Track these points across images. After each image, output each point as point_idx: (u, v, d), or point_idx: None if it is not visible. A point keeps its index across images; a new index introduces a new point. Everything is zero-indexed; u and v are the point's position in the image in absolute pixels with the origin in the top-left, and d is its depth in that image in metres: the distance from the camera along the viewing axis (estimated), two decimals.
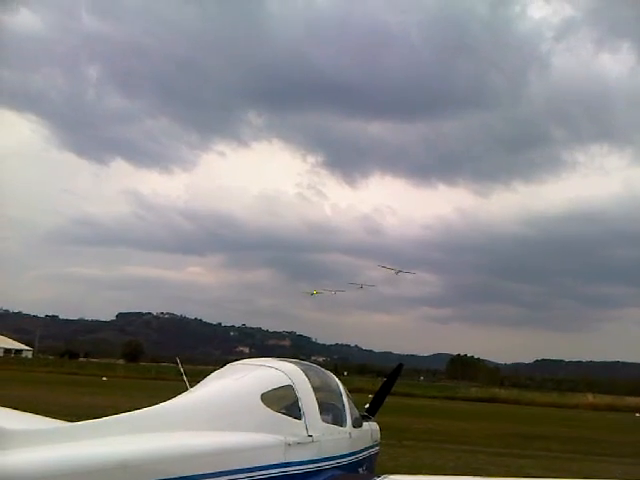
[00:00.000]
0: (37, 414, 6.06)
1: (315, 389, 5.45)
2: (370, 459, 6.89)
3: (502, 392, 69.51)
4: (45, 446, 3.19)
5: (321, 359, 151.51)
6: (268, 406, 4.78)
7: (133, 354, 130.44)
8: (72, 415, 9.09)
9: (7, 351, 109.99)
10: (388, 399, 8.56)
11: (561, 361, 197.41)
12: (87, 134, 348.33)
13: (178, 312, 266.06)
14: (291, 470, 4.65)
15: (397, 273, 75.91)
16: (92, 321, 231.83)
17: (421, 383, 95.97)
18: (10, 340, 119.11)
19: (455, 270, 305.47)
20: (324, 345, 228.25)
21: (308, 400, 5.25)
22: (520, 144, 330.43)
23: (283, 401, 5.15)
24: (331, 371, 6.92)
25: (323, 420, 5.41)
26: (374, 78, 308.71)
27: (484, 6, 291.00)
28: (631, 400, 61.46)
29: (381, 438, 7.70)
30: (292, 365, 5.57)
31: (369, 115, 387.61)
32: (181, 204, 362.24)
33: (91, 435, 3.52)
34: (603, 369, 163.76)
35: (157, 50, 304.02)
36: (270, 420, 4.74)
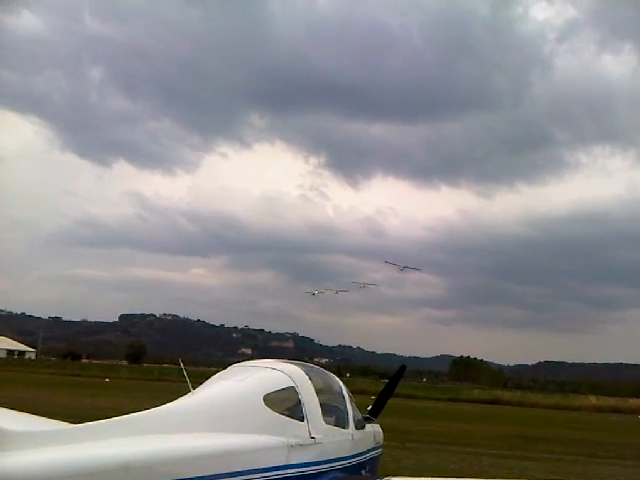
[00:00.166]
0: (40, 416, 6.06)
1: (318, 391, 5.45)
2: (373, 461, 6.88)
3: (505, 394, 69.31)
4: (48, 448, 3.19)
5: (324, 361, 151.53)
6: (271, 408, 4.77)
7: (136, 355, 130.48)
8: (75, 417, 9.09)
9: (10, 352, 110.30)
10: (391, 401, 8.55)
11: (564, 363, 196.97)
12: (90, 136, 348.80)
13: (181, 313, 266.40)
14: (293, 472, 4.65)
15: (402, 269, 74.69)
16: (95, 322, 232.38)
17: (424, 385, 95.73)
18: (13, 341, 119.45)
19: (458, 272, 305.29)
20: (327, 347, 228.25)
21: (311, 402, 5.24)
22: (523, 145, 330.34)
23: (286, 403, 5.14)
24: (334, 373, 6.92)
25: (326, 422, 5.41)
26: (376, 79, 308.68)
27: (486, 7, 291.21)
28: (634, 402, 61.23)
29: (384, 440, 7.69)
30: (295, 367, 5.57)
31: (371, 116, 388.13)
32: (184, 206, 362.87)
33: (94, 437, 3.52)
34: (606, 371, 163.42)
35: (159, 52, 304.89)
36: (273, 422, 4.74)
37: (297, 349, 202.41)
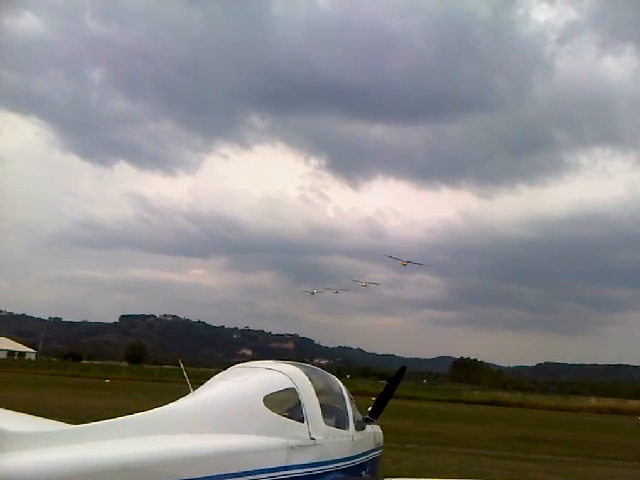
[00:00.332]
0: (40, 416, 6.06)
1: (318, 392, 5.45)
2: (373, 462, 6.87)
3: (505, 395, 69.31)
4: (48, 448, 3.19)
5: (324, 362, 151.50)
6: (270, 409, 4.77)
7: (136, 356, 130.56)
8: (75, 417, 9.10)
9: (11, 353, 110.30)
10: (391, 402, 8.54)
11: (564, 364, 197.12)
12: (91, 137, 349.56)
13: (181, 314, 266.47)
14: (293, 473, 4.65)
15: (405, 264, 73.73)
16: (95, 323, 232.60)
17: (424, 386, 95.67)
18: (14, 342, 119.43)
19: (458, 273, 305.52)
20: (327, 348, 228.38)
21: (311, 403, 5.24)
22: (523, 147, 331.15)
23: (286, 404, 5.14)
24: (334, 374, 6.91)
25: (326, 423, 5.40)
26: (377, 81, 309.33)
27: (487, 9, 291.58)
28: (635, 403, 61.24)
29: (384, 441, 7.69)
30: (295, 368, 5.57)
31: (372, 118, 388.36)
32: (184, 207, 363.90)
33: (94, 438, 3.53)
34: (606, 372, 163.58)
35: (160, 53, 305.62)
36: (272, 423, 4.74)
37: (297, 350, 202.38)
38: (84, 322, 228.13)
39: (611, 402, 63.52)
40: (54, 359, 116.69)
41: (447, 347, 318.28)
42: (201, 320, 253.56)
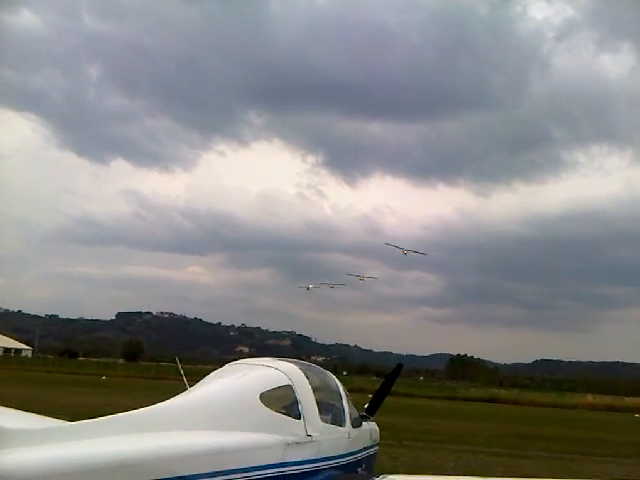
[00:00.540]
0: (37, 413, 6.06)
1: (314, 389, 5.45)
2: (369, 459, 6.89)
3: (501, 392, 69.55)
4: (44, 445, 3.19)
5: (321, 359, 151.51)
6: (267, 406, 4.77)
7: (133, 353, 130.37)
8: (71, 414, 9.08)
9: (7, 350, 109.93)
10: (387, 399, 8.56)
11: (561, 361, 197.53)
12: (87, 133, 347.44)
13: (178, 311, 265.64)
14: (290, 470, 4.65)
15: (405, 253, 72.49)
16: (92, 320, 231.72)
17: (420, 383, 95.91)
18: (10, 339, 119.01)
19: (455, 270, 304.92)
20: (324, 345, 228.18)
21: (307, 400, 5.25)
22: (520, 144, 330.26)
23: (282, 401, 5.14)
24: (331, 371, 6.93)
25: (322, 420, 5.41)
26: (374, 78, 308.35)
27: (485, 6, 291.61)
28: (631, 400, 61.54)
29: (380, 438, 7.71)
30: (291, 365, 5.57)
31: (369, 115, 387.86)
32: (181, 204, 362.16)
33: (90, 434, 3.53)
34: (603, 369, 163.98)
35: (157, 49, 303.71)
36: (269, 420, 4.74)
37: (294, 347, 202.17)
38: (80, 319, 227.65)
39: (607, 399, 63.79)
40: (50, 356, 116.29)
41: (444, 344, 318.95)
42: (198, 317, 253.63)
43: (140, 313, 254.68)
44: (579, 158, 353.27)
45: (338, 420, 5.98)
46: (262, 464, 4.35)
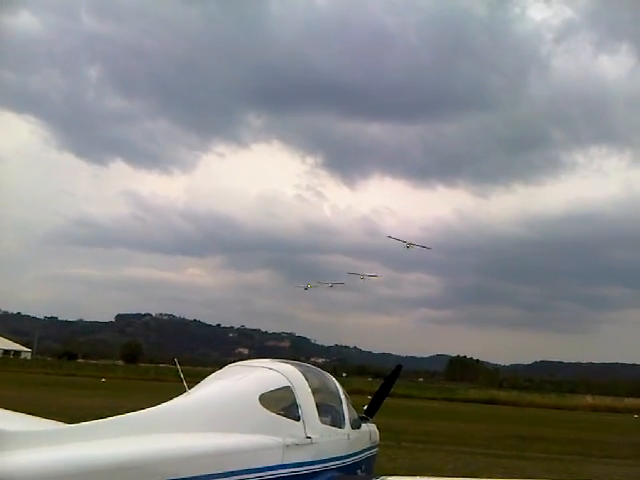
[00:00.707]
0: (36, 415, 6.05)
1: (314, 390, 5.46)
2: (368, 461, 6.89)
3: (501, 394, 69.47)
4: (44, 447, 3.19)
5: (320, 360, 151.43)
6: (266, 407, 4.78)
7: (132, 355, 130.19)
8: (70, 416, 9.06)
9: (6, 352, 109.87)
10: (387, 400, 8.56)
11: (560, 362, 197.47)
12: (86, 135, 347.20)
13: (177, 313, 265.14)
14: (289, 472, 4.65)
15: (408, 246, 70.98)
16: (91, 322, 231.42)
17: (420, 384, 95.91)
18: (9, 341, 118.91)
19: (454, 271, 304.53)
20: (323, 346, 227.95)
21: (306, 401, 5.25)
22: (519, 146, 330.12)
23: (281, 402, 5.15)
24: (330, 372, 6.93)
25: (321, 422, 5.41)
26: (373, 79, 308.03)
27: (483, 7, 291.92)
28: (630, 402, 61.47)
29: (380, 439, 7.70)
30: (290, 366, 5.58)
31: (368, 116, 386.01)
32: (180, 205, 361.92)
33: (89, 437, 3.52)
34: (602, 370, 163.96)
35: (157, 51, 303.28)
36: (268, 421, 4.74)
37: (294, 349, 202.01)
38: (80, 321, 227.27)
39: (607, 400, 63.71)
40: (49, 358, 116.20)
41: (443, 345, 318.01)
42: (197, 319, 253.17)
43: (139, 315, 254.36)
44: (578, 159, 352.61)
45: (337, 422, 5.98)
46: (261, 466, 4.35)
